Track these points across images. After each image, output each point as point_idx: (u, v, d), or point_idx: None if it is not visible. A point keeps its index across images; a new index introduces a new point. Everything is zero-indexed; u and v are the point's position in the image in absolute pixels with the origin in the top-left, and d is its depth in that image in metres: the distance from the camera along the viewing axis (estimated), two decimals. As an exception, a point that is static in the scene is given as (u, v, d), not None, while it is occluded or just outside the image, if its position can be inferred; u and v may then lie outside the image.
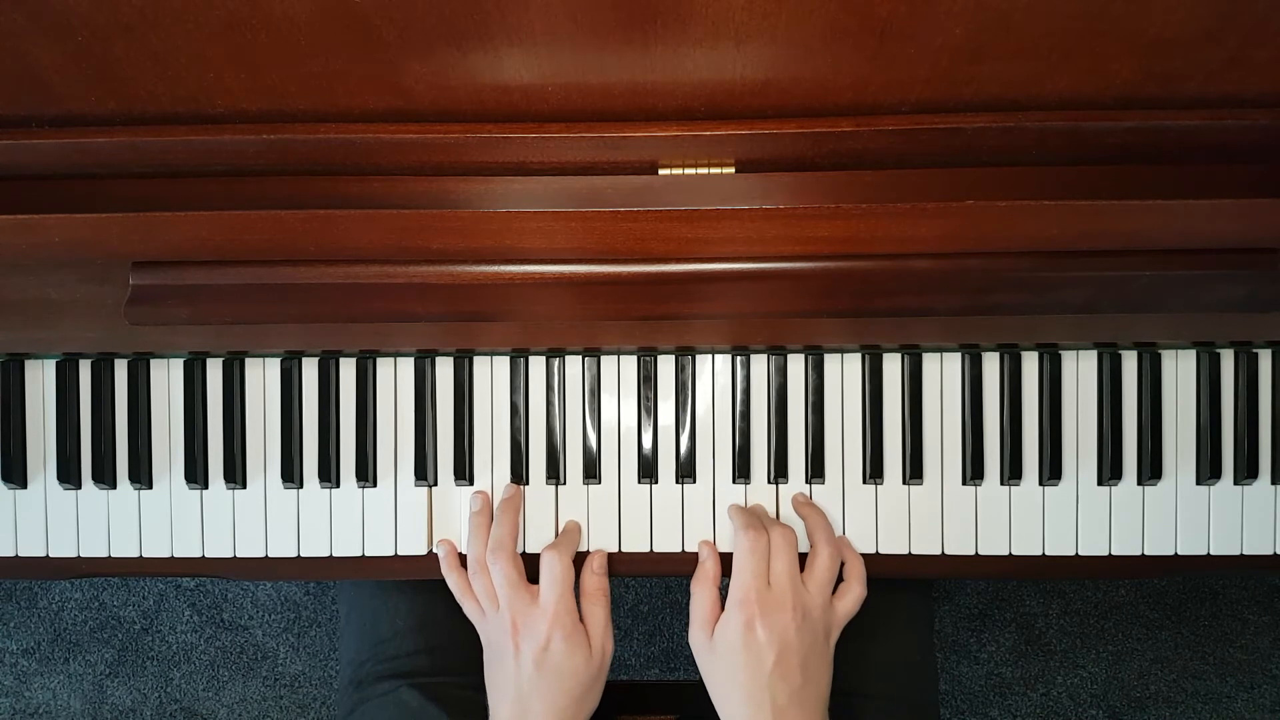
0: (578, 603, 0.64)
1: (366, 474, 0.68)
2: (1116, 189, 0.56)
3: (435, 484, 0.69)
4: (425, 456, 0.68)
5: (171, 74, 0.51)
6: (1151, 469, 0.68)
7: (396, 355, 0.69)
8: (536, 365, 0.69)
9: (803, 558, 0.65)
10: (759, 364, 0.68)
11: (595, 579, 0.66)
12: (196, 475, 0.68)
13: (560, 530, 0.69)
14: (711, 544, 0.67)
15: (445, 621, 0.73)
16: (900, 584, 0.75)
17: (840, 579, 0.65)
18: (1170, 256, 0.60)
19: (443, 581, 0.67)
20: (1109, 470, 0.68)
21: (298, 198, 0.57)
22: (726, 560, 0.66)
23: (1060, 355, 0.68)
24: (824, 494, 0.68)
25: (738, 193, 0.57)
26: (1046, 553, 0.68)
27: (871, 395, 0.68)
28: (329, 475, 0.68)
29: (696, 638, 0.63)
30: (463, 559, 0.68)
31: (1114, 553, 0.68)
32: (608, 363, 0.69)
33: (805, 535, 0.67)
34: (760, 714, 0.58)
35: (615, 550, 0.68)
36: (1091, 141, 0.55)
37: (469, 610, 0.66)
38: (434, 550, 0.68)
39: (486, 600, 0.65)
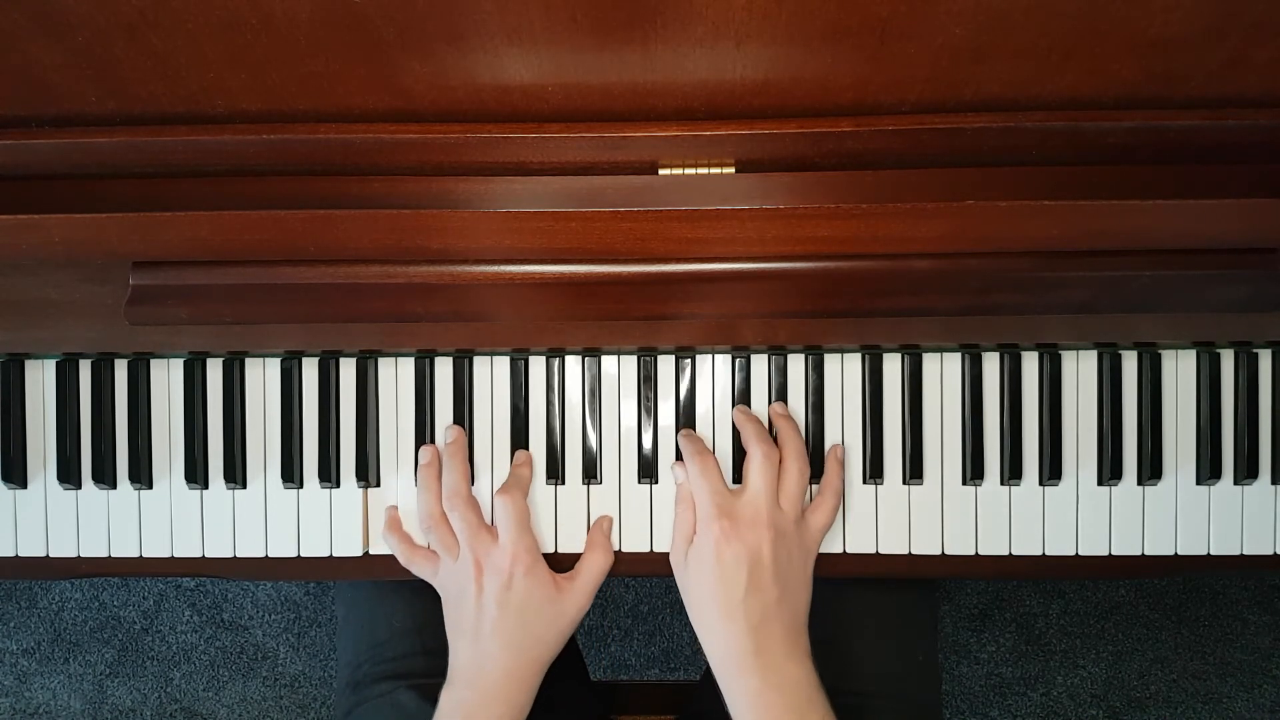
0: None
1: (367, 474, 0.68)
2: (1117, 189, 0.56)
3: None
4: (425, 456, 0.68)
5: (171, 74, 0.51)
6: (1151, 469, 0.68)
7: (397, 355, 0.69)
8: (536, 365, 0.69)
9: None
10: (759, 364, 0.68)
11: (602, 534, 0.67)
12: (196, 475, 0.68)
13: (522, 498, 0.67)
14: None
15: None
16: (905, 584, 0.75)
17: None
18: (1170, 256, 0.60)
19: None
20: (1109, 470, 0.68)
21: (298, 198, 0.57)
22: None
23: (1060, 355, 0.68)
24: (824, 494, 0.68)
25: (738, 193, 0.57)
26: (1046, 553, 0.68)
27: (871, 395, 0.68)
28: (329, 475, 0.68)
29: (675, 556, 0.64)
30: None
31: (1114, 553, 0.68)
32: (608, 363, 0.69)
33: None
34: (734, 628, 0.59)
35: (615, 550, 0.68)
36: (1092, 141, 0.55)
37: (419, 568, 0.66)
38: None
39: (445, 551, 0.65)
